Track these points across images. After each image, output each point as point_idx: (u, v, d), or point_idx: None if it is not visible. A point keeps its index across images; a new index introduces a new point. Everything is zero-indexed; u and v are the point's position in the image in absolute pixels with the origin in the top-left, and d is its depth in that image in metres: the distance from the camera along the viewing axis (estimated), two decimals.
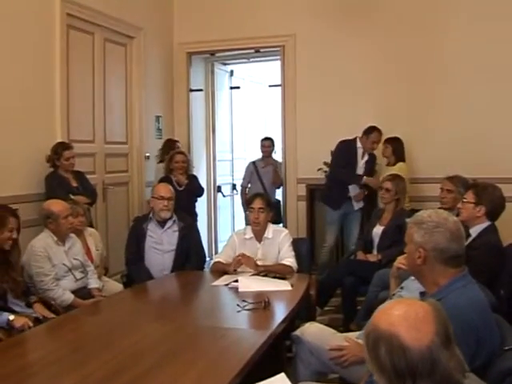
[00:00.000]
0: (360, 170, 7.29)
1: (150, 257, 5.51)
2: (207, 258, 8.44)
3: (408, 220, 2.86)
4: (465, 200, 4.57)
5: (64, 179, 6.01)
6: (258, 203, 5.28)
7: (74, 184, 6.10)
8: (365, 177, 7.19)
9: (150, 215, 5.62)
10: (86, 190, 6.20)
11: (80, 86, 6.80)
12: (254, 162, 8.98)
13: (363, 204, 7.41)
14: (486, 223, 4.47)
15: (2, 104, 5.59)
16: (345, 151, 7.29)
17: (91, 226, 6.07)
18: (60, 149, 5.98)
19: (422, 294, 2.75)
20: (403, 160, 7.29)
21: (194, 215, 7.39)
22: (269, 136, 9.16)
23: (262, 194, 5.71)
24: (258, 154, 9.06)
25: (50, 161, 6.00)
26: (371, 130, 7.14)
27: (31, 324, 4.06)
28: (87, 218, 5.64)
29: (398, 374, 1.72)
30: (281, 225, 8.39)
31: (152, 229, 5.56)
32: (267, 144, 8.86)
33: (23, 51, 5.86)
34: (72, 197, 5.75)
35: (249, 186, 8.90)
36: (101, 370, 2.84)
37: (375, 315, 1.85)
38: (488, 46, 7.28)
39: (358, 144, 7.26)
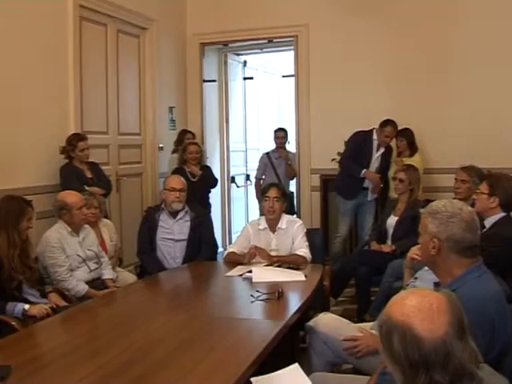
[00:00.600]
0: (375, 162, 7.25)
1: (161, 247, 5.54)
2: (221, 249, 8.47)
3: (422, 210, 2.83)
4: (479, 191, 4.55)
5: (79, 170, 6.02)
6: (273, 192, 5.28)
7: (89, 175, 6.10)
8: (364, 170, 7.13)
9: (162, 206, 5.64)
10: (101, 181, 6.21)
11: (93, 77, 6.80)
12: (267, 153, 8.94)
13: (377, 195, 7.39)
14: (501, 214, 4.44)
15: (16, 96, 5.60)
16: (358, 143, 7.25)
17: (106, 217, 6.10)
18: (74, 140, 5.98)
19: (437, 285, 2.73)
20: (417, 149, 7.26)
21: (208, 206, 7.41)
22: (282, 127, 9.13)
23: (277, 184, 5.72)
24: (271, 145, 9.06)
25: (65, 152, 6.01)
26: (385, 124, 7.08)
27: (47, 308, 4.12)
28: (102, 209, 5.66)
29: (411, 365, 1.71)
30: (294, 216, 8.40)
31: (164, 219, 5.58)
32: (281, 135, 8.84)
33: (36, 43, 5.86)
34: (87, 188, 5.77)
35: (263, 177, 8.87)
36: (115, 360, 2.86)
37: (389, 306, 1.85)
38: (504, 37, 7.22)
39: (374, 136, 7.21)
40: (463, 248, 2.62)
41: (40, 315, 4.05)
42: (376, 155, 7.24)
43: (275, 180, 8.42)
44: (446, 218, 2.64)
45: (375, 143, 7.22)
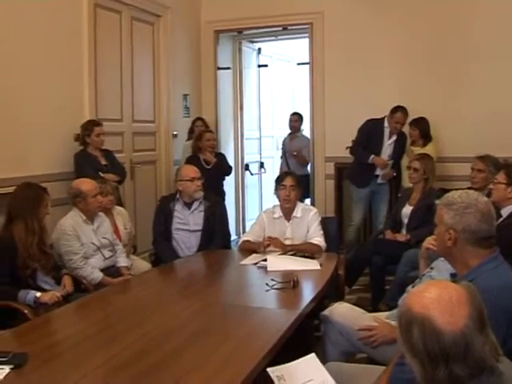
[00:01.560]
0: (387, 149, 7.22)
1: (176, 237, 5.52)
2: (235, 237, 8.48)
3: (437, 201, 2.81)
4: (496, 181, 4.52)
5: (93, 157, 6.03)
6: (289, 181, 5.27)
7: (104, 162, 6.11)
8: (372, 156, 7.12)
9: (177, 196, 5.60)
10: (115, 168, 6.22)
11: (108, 64, 6.79)
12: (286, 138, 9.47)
13: (387, 181, 7.37)
14: None
15: (31, 84, 5.60)
16: (368, 130, 7.26)
17: (120, 204, 6.11)
18: (90, 125, 6.01)
19: (453, 276, 2.71)
20: (431, 139, 7.21)
21: (222, 194, 7.42)
22: (297, 111, 9.45)
23: (292, 173, 5.71)
24: (285, 132, 9.24)
25: (80, 138, 6.03)
26: (395, 110, 7.07)
27: (59, 295, 4.13)
28: (115, 196, 5.66)
29: (430, 358, 1.70)
30: (309, 200, 8.44)
31: (179, 209, 5.55)
32: (294, 118, 9.23)
33: (51, 30, 5.86)
34: (102, 175, 5.79)
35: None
36: (129, 349, 2.86)
37: (408, 297, 1.83)
38: None
39: (386, 124, 7.20)
40: (479, 239, 2.60)
41: (51, 302, 4.07)
42: (388, 142, 7.23)
43: (284, 164, 8.94)
44: (462, 208, 2.62)
45: (387, 131, 7.21)
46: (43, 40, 5.75)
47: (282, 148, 9.51)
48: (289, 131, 9.38)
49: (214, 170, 7.05)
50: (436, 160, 6.75)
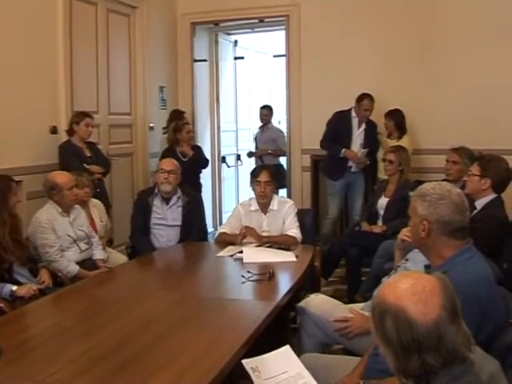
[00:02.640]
0: (357, 139, 7.26)
1: (155, 232, 5.52)
2: (212, 229, 8.48)
3: (411, 193, 2.83)
4: (470, 173, 4.56)
5: (78, 148, 6.06)
6: (264, 176, 5.25)
7: (88, 154, 6.14)
8: (344, 149, 7.15)
9: (156, 190, 5.59)
10: (100, 160, 6.26)
11: (83, 56, 6.74)
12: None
13: (361, 169, 7.38)
14: (492, 196, 4.46)
15: (6, 76, 5.56)
16: (336, 123, 7.31)
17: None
18: (82, 115, 6.08)
19: (427, 267, 2.74)
20: (405, 131, 7.24)
21: (199, 186, 7.41)
22: (267, 104, 9.51)
23: (267, 167, 5.69)
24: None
25: (69, 127, 6.07)
26: (362, 98, 7.12)
27: (35, 288, 4.11)
28: (91, 188, 5.64)
29: (404, 348, 1.72)
30: (285, 191, 8.47)
31: (157, 204, 5.54)
32: (264, 112, 9.31)
33: (26, 23, 5.81)
34: (86, 166, 5.80)
35: None
36: (106, 341, 2.87)
37: (382, 288, 1.85)
38: (498, 16, 7.17)
39: (353, 114, 7.25)
40: (453, 230, 2.63)
41: (27, 296, 4.05)
42: (357, 132, 7.27)
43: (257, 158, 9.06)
44: (436, 200, 2.64)
45: (355, 121, 7.27)
46: (18, 32, 5.70)
47: (255, 142, 9.63)
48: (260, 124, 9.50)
49: (190, 163, 7.03)
50: (412, 152, 6.79)
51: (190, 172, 6.61)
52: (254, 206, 5.34)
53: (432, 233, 2.65)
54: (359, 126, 7.27)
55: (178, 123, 7.43)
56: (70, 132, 6.05)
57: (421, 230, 2.67)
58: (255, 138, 9.60)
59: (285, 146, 8.78)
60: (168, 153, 6.94)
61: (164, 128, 7.92)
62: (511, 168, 4.59)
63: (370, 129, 7.31)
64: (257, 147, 9.51)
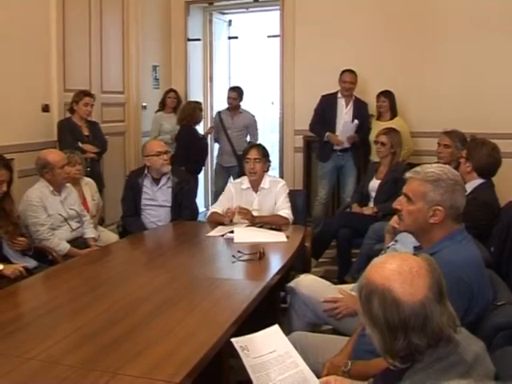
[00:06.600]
0: (344, 118, 7.23)
1: (146, 212, 5.53)
2: (203, 209, 8.48)
3: (411, 175, 2.73)
4: (459, 155, 4.58)
5: (76, 126, 6.10)
6: (253, 154, 5.28)
7: (86, 133, 6.18)
8: (327, 133, 7.16)
9: (146, 171, 5.57)
10: (97, 140, 6.29)
11: (76, 35, 6.72)
12: (219, 113, 8.51)
13: (350, 145, 7.31)
14: (480, 180, 4.48)
15: None
16: (322, 106, 7.34)
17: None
18: (82, 94, 6.13)
19: (416, 248, 2.74)
20: (396, 114, 7.25)
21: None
22: (237, 86, 8.61)
23: (258, 145, 5.69)
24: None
25: (70, 105, 6.13)
26: (342, 72, 7.19)
27: (21, 269, 4.08)
28: (83, 166, 5.63)
29: (390, 328, 1.74)
30: (277, 170, 8.48)
31: (148, 185, 5.54)
32: (233, 95, 8.30)
33: (18, 1, 5.80)
34: (80, 145, 5.81)
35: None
36: (96, 319, 2.88)
37: (369, 269, 1.87)
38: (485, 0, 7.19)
39: (339, 95, 7.28)
40: (459, 214, 2.63)
41: (13, 276, 4.02)
42: (344, 111, 7.27)
43: (227, 143, 8.27)
44: (452, 185, 2.61)
45: (341, 101, 7.28)
46: (10, 11, 5.68)
47: (219, 123, 8.39)
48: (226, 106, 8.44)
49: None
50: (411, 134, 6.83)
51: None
52: (246, 184, 5.35)
53: (445, 218, 2.62)
54: (346, 105, 7.27)
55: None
56: (71, 110, 6.13)
57: (430, 215, 2.61)
58: (220, 120, 8.35)
59: (257, 134, 8.41)
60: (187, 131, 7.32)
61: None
62: (497, 153, 4.57)
63: (360, 106, 7.31)
64: (225, 131, 8.30)
